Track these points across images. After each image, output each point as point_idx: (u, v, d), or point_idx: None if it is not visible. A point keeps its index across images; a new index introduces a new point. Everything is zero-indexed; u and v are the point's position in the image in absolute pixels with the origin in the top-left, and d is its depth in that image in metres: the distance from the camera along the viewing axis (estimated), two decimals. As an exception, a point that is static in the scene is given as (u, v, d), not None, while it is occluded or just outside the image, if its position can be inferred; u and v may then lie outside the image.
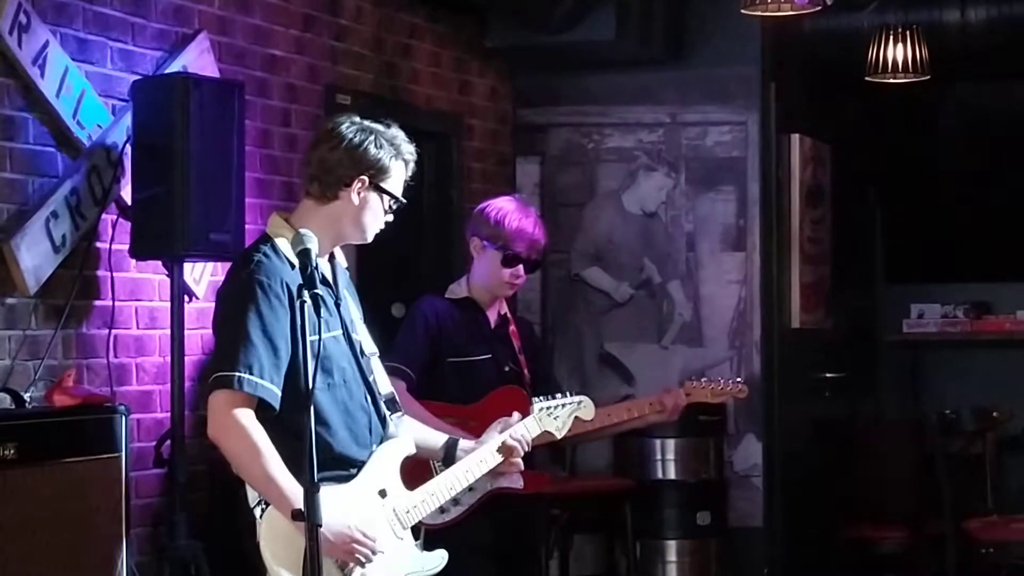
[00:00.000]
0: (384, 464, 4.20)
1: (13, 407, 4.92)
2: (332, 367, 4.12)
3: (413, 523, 4.23)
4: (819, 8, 6.44)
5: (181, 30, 5.86)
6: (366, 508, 4.10)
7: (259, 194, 6.12)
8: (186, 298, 5.59)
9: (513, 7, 7.52)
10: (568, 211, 8.18)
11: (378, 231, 4.27)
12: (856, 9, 7.93)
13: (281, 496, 3.93)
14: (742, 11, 6.36)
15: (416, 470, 4.42)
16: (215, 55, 5.97)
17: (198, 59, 5.83)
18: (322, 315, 3.86)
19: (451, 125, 7.64)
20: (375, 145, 4.17)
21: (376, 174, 4.18)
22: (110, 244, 5.45)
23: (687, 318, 8.03)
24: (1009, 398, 8.10)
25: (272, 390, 3.99)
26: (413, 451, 4.31)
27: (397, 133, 4.24)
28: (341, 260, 4.33)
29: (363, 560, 4.01)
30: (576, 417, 4.92)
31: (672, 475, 7.65)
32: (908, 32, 7.64)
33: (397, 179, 4.23)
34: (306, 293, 3.87)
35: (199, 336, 5.77)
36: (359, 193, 4.17)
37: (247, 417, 3.97)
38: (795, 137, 8.26)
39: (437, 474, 4.43)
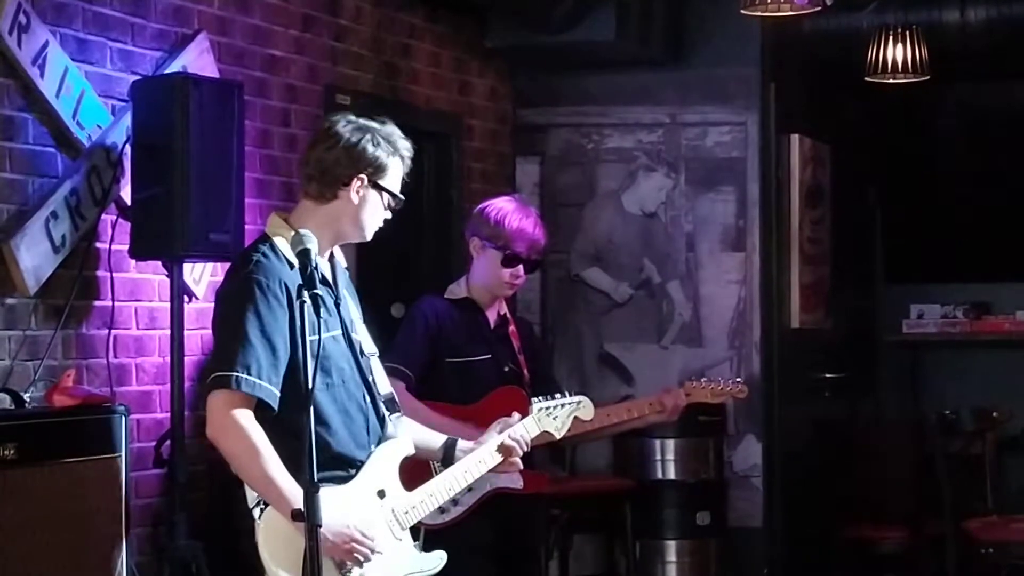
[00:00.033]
0: (383, 465, 4.20)
1: (13, 407, 4.91)
2: (331, 367, 4.12)
3: (412, 524, 4.23)
4: (819, 8, 6.44)
5: (181, 30, 5.86)
6: (365, 509, 4.10)
7: (259, 194, 6.12)
8: (186, 298, 5.59)
9: (513, 7, 7.52)
10: (568, 211, 8.18)
11: (377, 229, 4.27)
12: (856, 9, 7.93)
13: (280, 496, 3.93)
14: (742, 11, 6.37)
15: (415, 470, 4.42)
16: (215, 55, 5.97)
17: (198, 59, 5.83)
18: (321, 315, 3.86)
19: (451, 125, 7.65)
20: (372, 143, 4.18)
21: (374, 172, 4.18)
22: (110, 244, 5.45)
23: (687, 318, 8.03)
24: (1009, 398, 8.11)
25: (271, 390, 3.99)
26: (412, 452, 4.31)
27: (393, 130, 4.24)
28: (341, 260, 4.33)
29: (361, 560, 4.01)
30: (575, 417, 4.91)
31: (672, 475, 7.66)
32: (908, 32, 7.64)
33: (395, 176, 4.24)
34: (306, 293, 3.87)
35: (199, 336, 5.77)
36: (358, 192, 4.18)
37: (246, 417, 3.97)
38: (795, 137, 8.26)
39: (436, 474, 4.43)
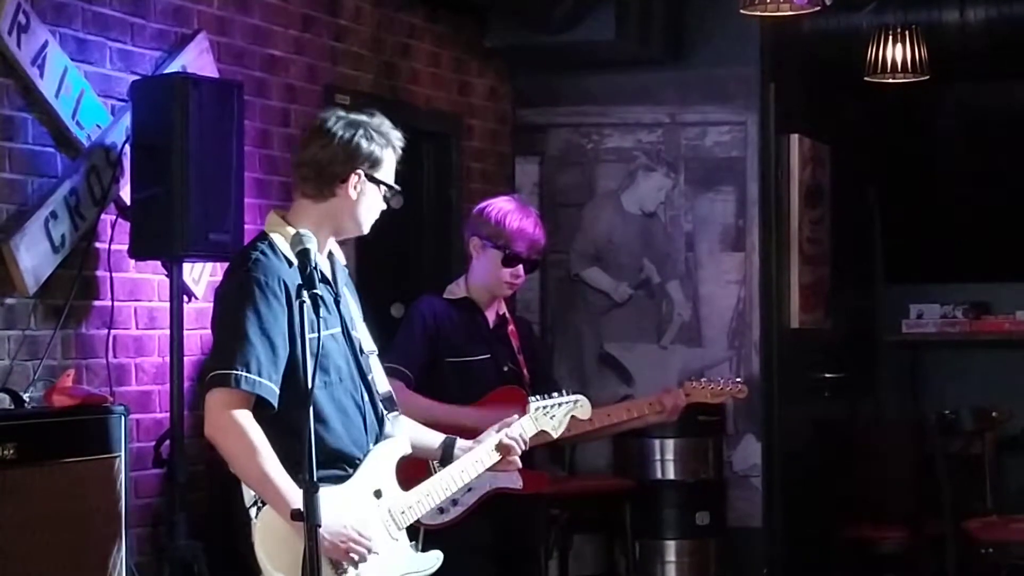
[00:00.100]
0: (380, 464, 4.20)
1: (12, 407, 4.91)
2: (329, 365, 4.12)
3: (408, 524, 4.23)
4: (818, 8, 6.44)
5: (180, 30, 5.86)
6: (361, 509, 4.10)
7: (258, 194, 6.12)
8: (185, 298, 5.59)
9: (513, 7, 7.52)
10: (567, 211, 8.18)
11: (374, 221, 4.28)
12: (855, 9, 7.94)
13: (278, 496, 3.93)
14: (741, 11, 6.36)
15: (415, 469, 4.42)
16: (214, 55, 5.97)
17: (197, 59, 5.83)
18: (321, 314, 3.87)
19: (451, 125, 7.64)
20: (366, 138, 4.19)
21: (371, 166, 4.20)
22: (109, 244, 5.44)
23: (686, 318, 8.03)
24: (1008, 398, 8.11)
25: (271, 387, 3.99)
26: (409, 451, 4.31)
27: (383, 121, 4.25)
28: (340, 258, 4.33)
29: (358, 560, 4.00)
30: (573, 416, 4.91)
31: (671, 475, 7.65)
32: (907, 32, 7.64)
33: (390, 168, 4.25)
34: (305, 293, 3.87)
35: (198, 336, 5.77)
36: (356, 187, 4.18)
37: (244, 416, 3.97)
38: (794, 137, 8.26)
39: (435, 474, 4.43)
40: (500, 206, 5.39)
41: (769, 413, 8.00)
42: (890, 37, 7.66)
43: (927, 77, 7.69)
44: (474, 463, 4.44)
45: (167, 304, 5.52)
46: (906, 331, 9.44)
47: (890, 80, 7.73)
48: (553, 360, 7.94)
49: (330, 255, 4.28)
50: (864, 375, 9.55)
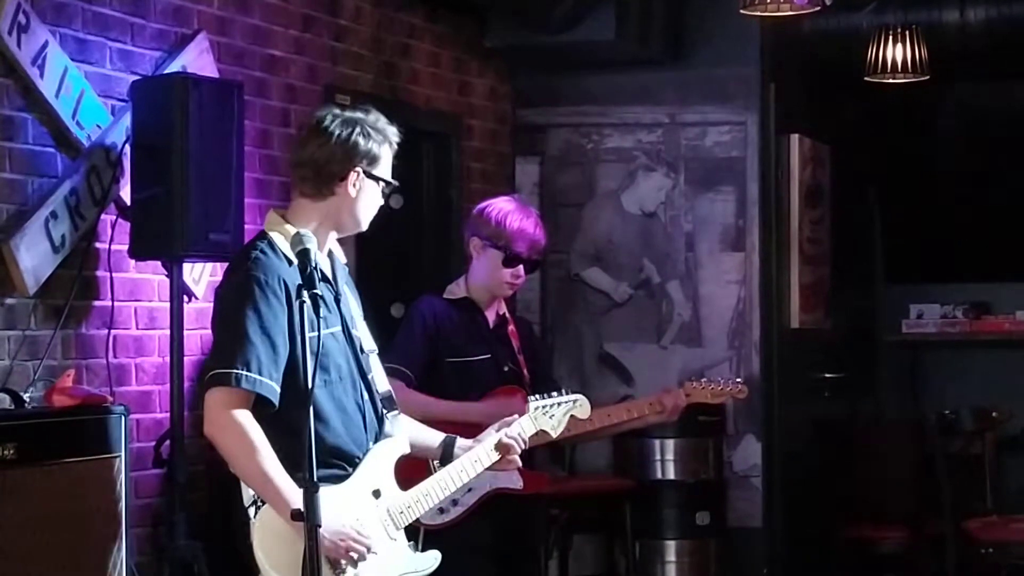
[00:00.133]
0: (378, 464, 4.20)
1: (12, 407, 4.91)
2: (329, 364, 4.12)
3: (407, 523, 4.23)
4: (818, 8, 6.44)
5: (180, 30, 5.86)
6: (360, 508, 4.10)
7: (258, 194, 6.12)
8: (185, 298, 5.59)
9: (513, 7, 7.52)
10: (567, 211, 8.18)
11: (373, 217, 4.28)
12: (855, 9, 7.93)
13: (278, 495, 3.93)
14: (741, 11, 6.36)
15: (415, 469, 4.42)
16: (214, 55, 5.97)
17: (197, 59, 5.83)
18: (321, 313, 3.87)
19: (451, 125, 7.64)
20: (363, 135, 4.19)
21: (369, 163, 4.20)
22: (109, 244, 5.45)
23: (686, 318, 8.03)
24: (1008, 398, 8.11)
25: (271, 386, 3.99)
26: (408, 451, 4.31)
27: (378, 117, 4.25)
28: (340, 256, 4.33)
29: (357, 559, 4.00)
30: (572, 416, 4.90)
31: (671, 475, 7.65)
32: (907, 32, 7.64)
33: (387, 163, 4.26)
34: (305, 293, 3.87)
35: (198, 336, 5.77)
36: (355, 185, 4.19)
37: (244, 415, 3.97)
38: (794, 137, 8.26)
39: (435, 473, 4.43)
40: (501, 206, 5.39)
41: (769, 413, 8.00)
42: (890, 37, 7.66)
43: (927, 77, 7.69)
44: (473, 463, 4.44)
45: (167, 304, 5.52)
46: (906, 331, 9.44)
47: (890, 80, 7.73)
48: (553, 360, 7.94)
49: (330, 253, 4.28)
50: (864, 375, 9.55)
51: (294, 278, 4.00)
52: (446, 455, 4.46)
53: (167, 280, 5.47)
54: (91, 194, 5.37)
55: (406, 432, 4.35)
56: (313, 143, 4.19)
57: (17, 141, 5.18)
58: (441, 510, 5.08)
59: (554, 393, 4.87)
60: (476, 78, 7.88)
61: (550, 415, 4.80)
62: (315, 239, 4.04)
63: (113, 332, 5.49)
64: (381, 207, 4.32)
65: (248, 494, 4.04)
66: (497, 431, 4.52)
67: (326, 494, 3.84)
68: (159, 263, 5.49)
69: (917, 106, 9.18)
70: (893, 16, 7.80)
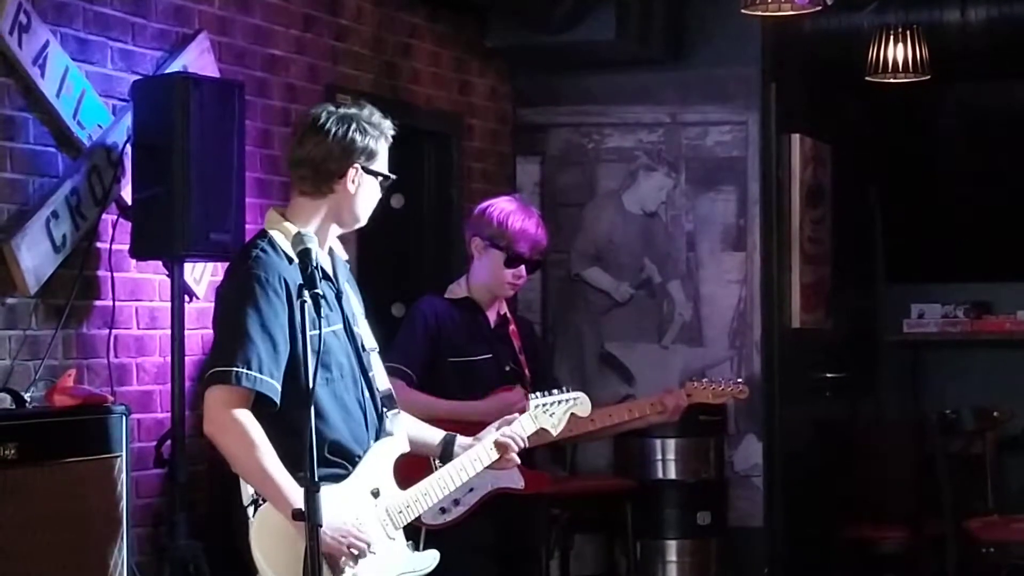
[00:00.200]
0: (378, 463, 4.20)
1: (13, 407, 4.91)
2: (331, 362, 4.12)
3: (406, 523, 4.22)
4: (819, 8, 6.44)
5: (181, 30, 5.86)
6: (359, 508, 4.10)
7: (259, 194, 6.12)
8: (186, 298, 5.59)
9: (513, 7, 7.52)
10: (568, 211, 8.18)
11: (372, 212, 4.28)
12: (856, 9, 7.93)
13: (279, 494, 3.93)
14: (742, 11, 6.36)
15: (415, 467, 4.42)
16: (215, 55, 5.97)
17: (198, 59, 5.83)
18: (322, 311, 3.87)
19: (451, 125, 7.64)
20: (360, 131, 4.19)
21: (367, 159, 4.20)
22: (110, 244, 5.45)
23: (687, 318, 8.03)
24: (1009, 398, 8.10)
25: (272, 384, 3.98)
26: (407, 449, 4.30)
27: (373, 112, 4.25)
28: (341, 254, 4.33)
29: (356, 557, 4.00)
30: (573, 414, 4.89)
31: (672, 475, 7.65)
32: (908, 32, 7.64)
33: (384, 157, 4.26)
34: (306, 293, 3.88)
35: (199, 336, 5.77)
36: (353, 181, 4.18)
37: (244, 415, 3.97)
38: (795, 137, 8.26)
39: (436, 471, 4.43)
40: (502, 207, 5.39)
41: (770, 413, 8.00)
42: (891, 37, 7.66)
43: (928, 77, 7.68)
44: (472, 461, 4.43)
45: (168, 304, 5.53)
46: (907, 331, 9.44)
47: (891, 80, 7.73)
48: (554, 360, 7.93)
49: (331, 251, 4.28)
50: (865, 375, 9.55)
51: (295, 276, 4.01)
52: (446, 453, 4.45)
53: (168, 280, 5.47)
54: (92, 194, 5.37)
55: (406, 430, 4.35)
56: (310, 141, 4.19)
57: (18, 141, 5.18)
58: (443, 510, 5.08)
59: (554, 391, 4.86)
60: (477, 78, 7.88)
61: (550, 413, 4.79)
62: (316, 238, 4.04)
63: (114, 332, 5.49)
64: (382, 206, 4.32)
65: (247, 493, 4.03)
66: (497, 429, 4.52)
67: (326, 493, 3.84)
68: (160, 263, 5.49)
69: (918, 106, 9.17)
70: (894, 16, 7.80)
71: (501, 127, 8.10)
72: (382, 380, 4.33)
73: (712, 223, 8.00)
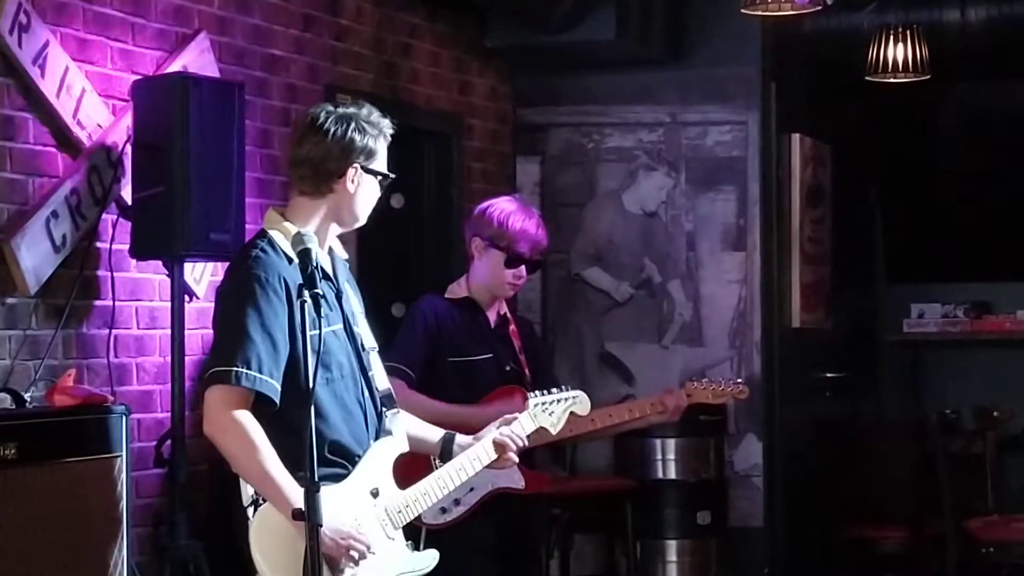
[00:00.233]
0: (377, 463, 4.19)
1: (13, 407, 4.91)
2: (331, 362, 4.11)
3: (405, 523, 4.22)
4: (819, 8, 6.44)
5: (181, 30, 5.86)
6: (358, 508, 4.10)
7: (259, 194, 6.12)
8: (186, 298, 5.59)
9: (513, 7, 7.52)
10: (568, 211, 8.18)
11: (371, 211, 4.28)
12: (856, 9, 7.93)
13: (279, 494, 3.93)
14: (742, 11, 6.36)
15: (416, 467, 4.42)
16: (215, 55, 5.97)
17: (198, 59, 5.83)
18: (322, 311, 3.87)
19: (451, 125, 7.64)
20: (359, 131, 4.18)
21: (366, 158, 4.20)
22: (110, 244, 5.45)
23: (687, 318, 8.03)
24: (1009, 398, 8.10)
25: (272, 384, 3.98)
26: (406, 449, 4.30)
27: (372, 111, 4.25)
28: (341, 253, 4.33)
29: (357, 559, 4.00)
30: (572, 412, 4.88)
31: (673, 475, 7.65)
32: (908, 32, 7.64)
33: (383, 156, 4.25)
34: (306, 292, 3.88)
35: (199, 336, 5.77)
36: (353, 181, 4.18)
37: (244, 414, 3.96)
38: (795, 137, 8.26)
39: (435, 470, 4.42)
40: (502, 207, 5.39)
41: (770, 413, 8.00)
42: (891, 37, 7.66)
43: (928, 77, 7.69)
44: (472, 461, 4.43)
45: (168, 304, 5.53)
46: (907, 330, 9.44)
47: (891, 80, 7.73)
48: (554, 360, 7.93)
49: (330, 250, 4.28)
50: (865, 375, 9.55)
51: (294, 276, 4.00)
52: (445, 452, 4.46)
53: (168, 280, 5.47)
54: (92, 194, 5.37)
55: (405, 430, 4.34)
56: (309, 141, 4.18)
57: (18, 141, 5.18)
58: (443, 509, 5.08)
59: (553, 390, 4.84)
60: (477, 78, 7.88)
61: (549, 412, 4.78)
62: (316, 238, 4.04)
63: (114, 332, 5.49)
64: (382, 206, 4.32)
65: (247, 494, 4.03)
66: (497, 428, 4.52)
67: (326, 493, 3.84)
68: (160, 263, 5.49)
69: (918, 106, 9.17)
70: (894, 16, 7.80)
71: (501, 127, 8.11)
72: (381, 380, 4.32)
73: (712, 223, 8.00)
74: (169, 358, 5.52)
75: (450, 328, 5.35)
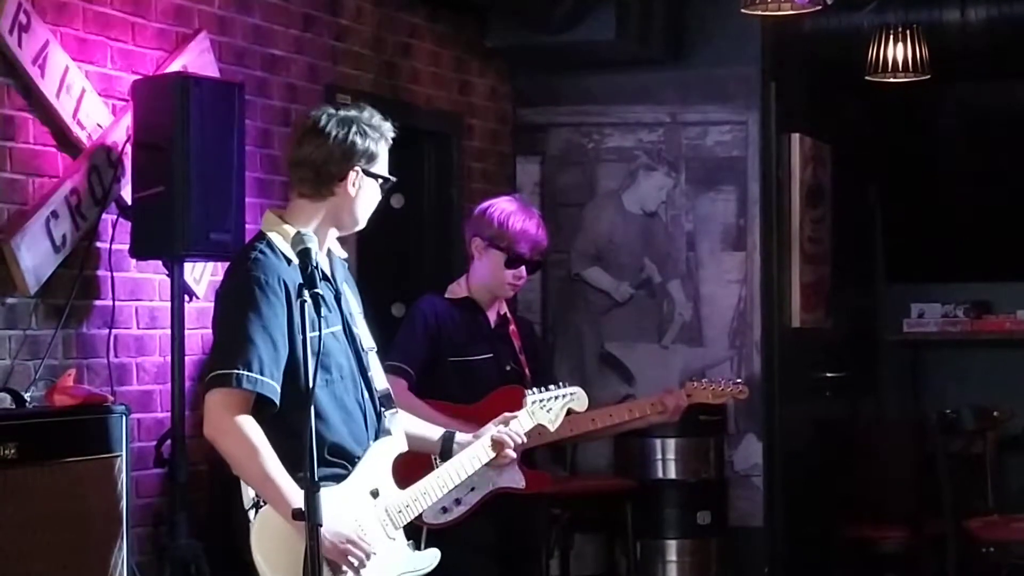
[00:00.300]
0: (376, 463, 4.19)
1: (13, 407, 4.91)
2: (331, 363, 4.11)
3: (405, 523, 4.22)
4: (819, 7, 6.44)
5: (181, 30, 5.86)
6: (359, 509, 4.10)
7: (259, 194, 6.12)
8: (186, 298, 5.59)
9: (513, 7, 7.52)
10: (568, 211, 8.18)
11: (371, 215, 4.28)
12: (856, 8, 7.93)
13: (279, 496, 3.92)
14: (742, 11, 6.36)
15: (416, 466, 4.42)
16: (215, 55, 5.97)
17: (198, 59, 5.83)
18: (322, 312, 3.87)
19: (451, 125, 7.64)
20: (360, 134, 4.18)
21: (367, 161, 4.20)
22: (110, 244, 5.45)
23: (687, 318, 8.03)
24: (1009, 397, 8.11)
25: (273, 385, 3.98)
26: (405, 448, 4.30)
27: (374, 114, 4.24)
28: (340, 252, 4.32)
29: (356, 564, 3.99)
30: (570, 409, 4.88)
31: (673, 475, 7.65)
32: (908, 31, 7.64)
33: (384, 159, 4.25)
34: (306, 292, 3.87)
35: (199, 336, 5.77)
36: (354, 184, 4.18)
37: (245, 418, 3.96)
38: (795, 137, 8.26)
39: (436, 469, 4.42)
40: (503, 207, 5.39)
41: (770, 412, 8.00)
42: (891, 36, 7.66)
43: (928, 76, 7.68)
44: (471, 459, 4.44)
45: (168, 304, 5.53)
46: (907, 330, 9.45)
47: (891, 79, 7.73)
48: (554, 360, 7.93)
49: (328, 252, 4.27)
50: (865, 374, 9.55)
51: (294, 278, 4.00)
52: (445, 450, 4.47)
53: (168, 279, 5.47)
54: (92, 194, 5.38)
55: (404, 429, 4.34)
56: (310, 144, 4.18)
57: (18, 141, 5.18)
58: (444, 509, 5.08)
59: (551, 387, 4.85)
60: (477, 78, 7.88)
61: (547, 409, 4.78)
62: (316, 238, 4.04)
63: (114, 332, 5.49)
64: (381, 206, 4.32)
65: (248, 496, 4.03)
66: (495, 426, 4.52)
67: (326, 494, 3.84)
68: (160, 262, 5.49)
69: (918, 105, 9.17)
70: (894, 15, 7.80)
71: (501, 127, 8.11)
72: (380, 380, 4.32)
73: (712, 223, 8.00)
74: (169, 358, 5.52)
75: (450, 328, 5.35)
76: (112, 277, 5.46)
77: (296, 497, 3.84)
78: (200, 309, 5.76)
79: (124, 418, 5.02)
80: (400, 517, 4.20)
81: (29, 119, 5.22)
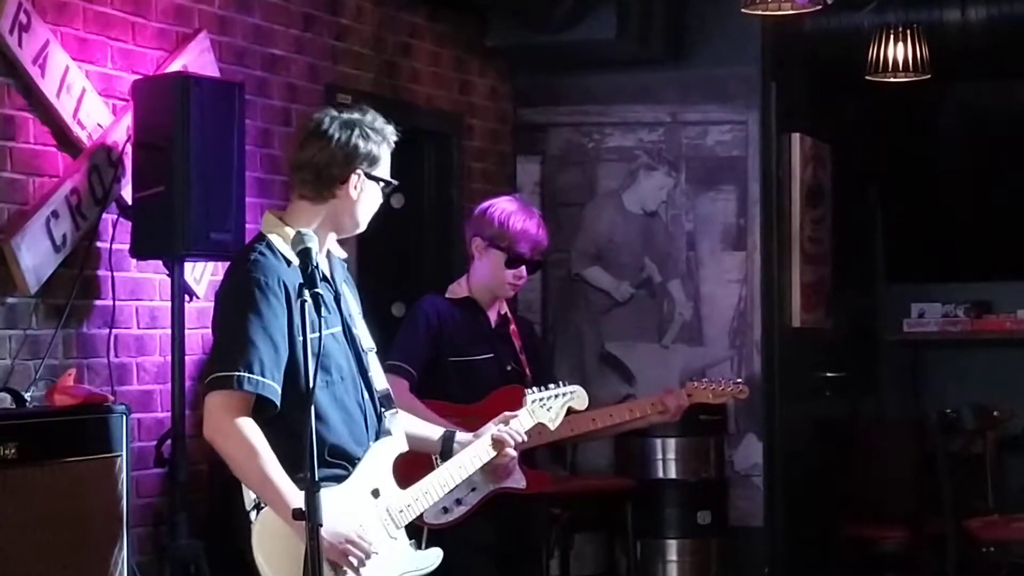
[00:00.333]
0: (377, 463, 4.19)
1: (13, 407, 4.91)
2: (331, 365, 4.12)
3: (406, 522, 4.22)
4: (819, 7, 6.44)
5: (181, 30, 5.86)
6: (359, 509, 4.10)
7: (259, 193, 6.12)
8: (187, 297, 5.59)
9: (513, 7, 7.52)
10: (568, 211, 8.18)
11: (372, 217, 4.28)
12: (856, 8, 7.93)
13: (279, 497, 3.92)
14: (742, 10, 6.36)
15: (417, 465, 4.42)
16: (215, 55, 5.97)
17: (198, 59, 5.83)
18: (322, 313, 3.87)
19: (451, 124, 7.64)
20: (363, 137, 4.18)
21: (369, 164, 4.20)
22: (110, 244, 5.45)
23: (687, 317, 8.02)
24: (1009, 397, 8.10)
25: (273, 387, 3.98)
26: (405, 448, 4.30)
27: (376, 117, 4.25)
28: (339, 252, 4.32)
29: (356, 564, 3.99)
30: (570, 408, 4.88)
31: (673, 474, 7.65)
32: (908, 31, 7.64)
33: (386, 163, 4.25)
34: (306, 292, 3.87)
35: (199, 335, 5.77)
36: (356, 187, 4.18)
37: (245, 420, 3.97)
38: (795, 136, 8.26)
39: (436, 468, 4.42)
40: (503, 207, 5.39)
41: (770, 412, 8.00)
42: (891, 36, 7.66)
43: (928, 76, 7.69)
44: (472, 459, 4.44)
45: (168, 303, 5.53)
46: (907, 330, 9.45)
47: (891, 79, 7.73)
48: (554, 360, 7.93)
49: (328, 254, 4.27)
50: (865, 374, 9.55)
51: (293, 279, 4.00)
52: (446, 449, 4.47)
53: (168, 279, 5.47)
54: (92, 193, 5.38)
55: (404, 429, 4.34)
56: (312, 146, 4.18)
57: (18, 140, 5.18)
58: (445, 509, 5.08)
59: (551, 386, 4.85)
60: (477, 77, 7.88)
61: (547, 407, 4.78)
62: (316, 238, 4.04)
63: (114, 331, 5.49)
64: (382, 206, 4.32)
65: (249, 498, 4.03)
66: (495, 425, 4.52)
67: (326, 495, 3.84)
68: (160, 262, 5.49)
69: (918, 105, 9.17)
70: (894, 15, 7.80)
71: (501, 127, 8.10)
72: (380, 380, 4.32)
73: (712, 223, 7.99)
74: (169, 358, 5.52)
75: (451, 328, 5.35)
76: (112, 277, 5.46)
77: (295, 499, 3.84)
78: (200, 309, 5.75)
79: (124, 418, 5.02)
80: (402, 517, 4.20)
81: (29, 119, 5.22)
